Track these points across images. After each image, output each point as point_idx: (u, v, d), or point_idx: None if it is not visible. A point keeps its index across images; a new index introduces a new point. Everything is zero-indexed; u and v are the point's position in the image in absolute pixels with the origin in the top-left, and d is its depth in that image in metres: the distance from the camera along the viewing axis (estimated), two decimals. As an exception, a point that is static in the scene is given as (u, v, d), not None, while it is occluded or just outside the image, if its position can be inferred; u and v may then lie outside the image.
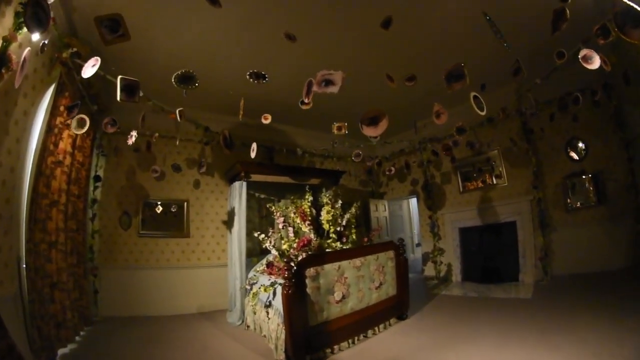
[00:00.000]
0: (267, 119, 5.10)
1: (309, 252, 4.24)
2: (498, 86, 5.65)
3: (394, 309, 4.30)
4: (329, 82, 3.03)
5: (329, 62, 4.73)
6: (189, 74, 3.47)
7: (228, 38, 4.32)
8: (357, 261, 3.89)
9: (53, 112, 3.59)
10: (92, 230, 4.94)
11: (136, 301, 5.15)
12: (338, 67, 4.68)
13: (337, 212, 5.00)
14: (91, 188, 5.00)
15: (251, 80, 3.94)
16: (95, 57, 3.30)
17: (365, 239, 5.15)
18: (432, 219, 7.01)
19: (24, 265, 3.17)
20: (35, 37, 2.84)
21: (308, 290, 3.34)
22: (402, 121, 7.04)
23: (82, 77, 4.03)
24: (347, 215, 5.07)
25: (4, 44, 2.58)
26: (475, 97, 3.85)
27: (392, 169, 7.41)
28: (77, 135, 4.24)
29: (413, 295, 4.77)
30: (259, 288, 4.18)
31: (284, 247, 4.68)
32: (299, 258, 3.68)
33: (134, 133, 4.44)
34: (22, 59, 2.76)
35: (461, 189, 6.65)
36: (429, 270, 7.09)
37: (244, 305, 4.91)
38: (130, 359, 3.43)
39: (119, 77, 3.32)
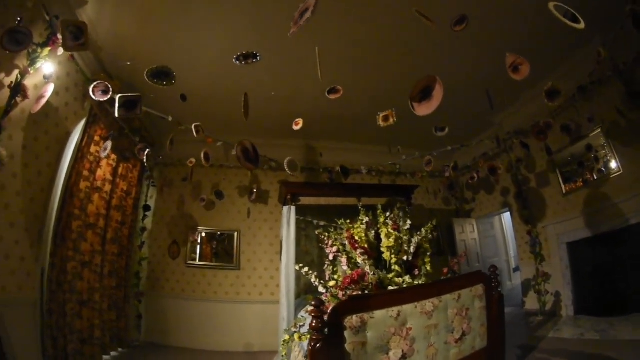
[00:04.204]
0: (298, 125, 5.01)
1: (365, 291, 3.47)
2: (578, 46, 4.62)
3: (483, 368, 3.20)
4: (304, 13, 2.72)
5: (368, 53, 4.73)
6: (164, 70, 3.70)
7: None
8: (428, 304, 2.92)
9: (87, 141, 4.27)
10: (140, 257, 5.48)
11: (179, 331, 5.36)
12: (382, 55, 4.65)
13: (404, 237, 3.99)
14: (140, 217, 5.63)
15: (239, 63, 3.77)
16: (105, 83, 3.85)
17: (445, 270, 3.99)
18: (531, 235, 5.62)
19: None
20: (48, 68, 3.49)
21: (348, 346, 2.55)
22: (476, 119, 6.26)
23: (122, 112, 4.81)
24: (414, 239, 3.99)
25: (19, 76, 3.22)
26: (558, 7, 2.76)
27: (475, 176, 6.41)
28: (118, 164, 4.94)
29: (509, 340, 3.65)
30: (294, 335, 3.77)
31: (331, 283, 4.09)
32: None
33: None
34: (43, 89, 3.42)
35: (564, 191, 5.24)
36: (531, 303, 5.55)
37: (290, 349, 4.51)
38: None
39: (118, 96, 3.78)
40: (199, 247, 6.18)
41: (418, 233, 4.15)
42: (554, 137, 5.16)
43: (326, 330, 2.49)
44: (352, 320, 2.59)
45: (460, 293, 3.19)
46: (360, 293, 3.36)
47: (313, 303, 2.56)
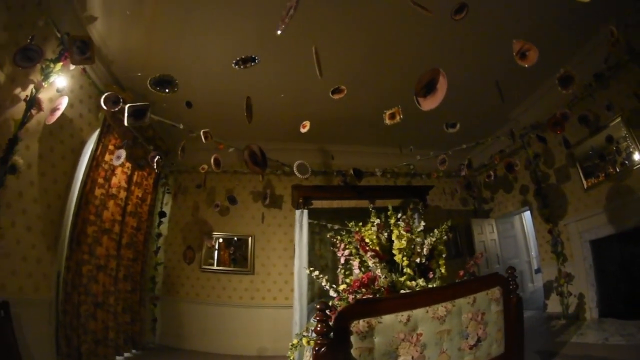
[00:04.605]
0: (305, 127, 5.06)
1: (376, 295, 3.41)
2: (592, 32, 4.45)
3: (500, 376, 3.02)
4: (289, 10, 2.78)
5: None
6: (167, 78, 3.87)
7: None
8: (441, 308, 2.80)
9: (102, 150, 4.51)
10: (156, 262, 5.68)
11: (194, 335, 5.49)
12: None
13: (416, 238, 3.82)
14: (156, 223, 5.85)
15: (237, 67, 3.79)
16: (115, 94, 4.08)
17: (461, 273, 3.83)
18: (552, 234, 5.35)
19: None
20: (61, 82, 3.73)
21: (354, 352, 2.47)
22: (491, 116, 6.13)
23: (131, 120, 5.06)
24: (427, 241, 3.85)
25: (33, 90, 3.47)
26: None
27: (492, 174, 6.25)
28: (133, 172, 5.17)
29: (529, 345, 3.45)
30: (302, 339, 3.76)
31: (342, 287, 3.99)
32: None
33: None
34: (56, 103, 3.67)
35: (585, 185, 4.98)
36: (554, 305, 5.26)
37: (302, 354, 4.50)
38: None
39: (127, 105, 3.98)
40: (216, 252, 6.36)
41: (430, 234, 4.05)
42: (572, 129, 4.96)
43: (331, 334, 2.43)
44: (359, 324, 2.51)
45: (475, 296, 3.01)
46: (370, 297, 3.28)
47: (318, 306, 2.52)
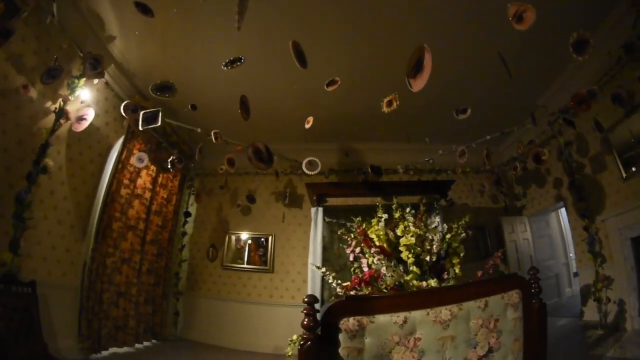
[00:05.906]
0: (308, 123, 5.17)
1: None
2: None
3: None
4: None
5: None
6: (167, 84, 4.27)
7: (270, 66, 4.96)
8: (444, 311, 2.57)
9: (127, 154, 5.10)
10: (180, 259, 6.18)
11: (214, 330, 5.87)
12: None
13: (428, 235, 3.71)
14: (181, 222, 6.39)
15: (226, 68, 4.01)
16: (134, 103, 4.64)
17: (479, 274, 3.52)
18: (588, 232, 4.81)
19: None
20: (85, 95, 4.36)
21: (342, 351, 2.35)
22: (518, 105, 5.76)
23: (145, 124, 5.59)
24: (436, 237, 3.71)
25: (61, 103, 4.11)
26: None
27: (517, 165, 5.89)
28: (157, 174, 5.75)
29: (558, 358, 3.25)
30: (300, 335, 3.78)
31: (346, 283, 3.74)
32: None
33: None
34: (82, 112, 4.30)
35: (624, 175, 4.44)
36: (591, 313, 4.66)
37: None
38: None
39: (142, 112, 4.49)
40: (246, 253, 6.73)
41: (440, 230, 3.90)
42: (605, 112, 4.51)
43: (319, 330, 2.36)
44: (349, 322, 2.40)
45: (487, 300, 2.70)
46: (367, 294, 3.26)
47: (306, 299, 2.40)
